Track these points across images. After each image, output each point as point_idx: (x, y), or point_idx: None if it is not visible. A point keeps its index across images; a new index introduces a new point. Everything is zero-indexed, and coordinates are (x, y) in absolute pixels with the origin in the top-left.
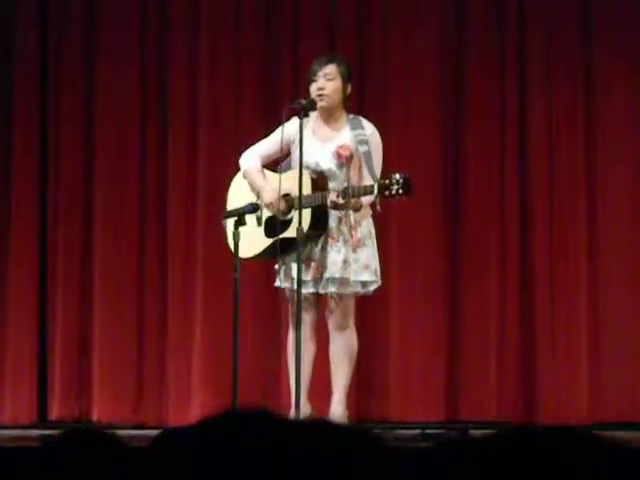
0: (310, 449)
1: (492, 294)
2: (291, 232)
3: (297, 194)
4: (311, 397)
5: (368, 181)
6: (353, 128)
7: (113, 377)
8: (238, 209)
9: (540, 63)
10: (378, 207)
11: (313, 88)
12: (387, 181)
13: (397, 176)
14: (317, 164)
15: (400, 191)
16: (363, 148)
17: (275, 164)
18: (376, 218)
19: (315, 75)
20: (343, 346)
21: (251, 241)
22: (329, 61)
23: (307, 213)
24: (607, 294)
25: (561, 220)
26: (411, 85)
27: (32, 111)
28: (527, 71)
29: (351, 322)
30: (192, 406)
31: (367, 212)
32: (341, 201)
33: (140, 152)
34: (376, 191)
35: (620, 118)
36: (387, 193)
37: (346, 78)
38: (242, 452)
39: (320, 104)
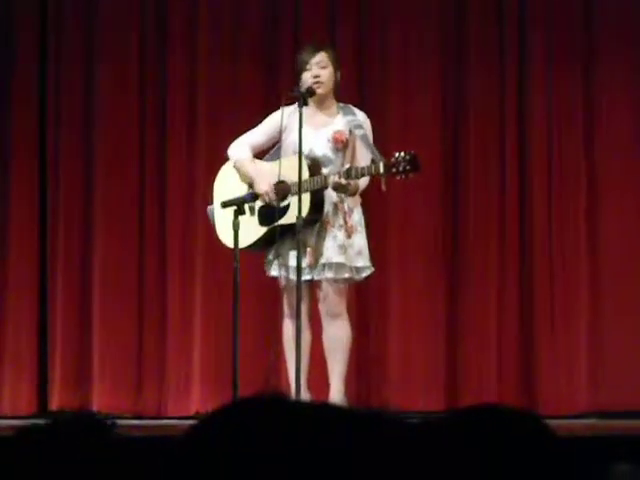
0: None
1: (492, 281)
2: (288, 218)
3: (293, 180)
4: (310, 385)
5: (364, 164)
6: (345, 114)
7: (113, 367)
8: (238, 198)
9: (539, 57)
10: (383, 186)
11: (306, 76)
12: (393, 159)
13: (402, 153)
14: (311, 150)
15: (408, 167)
16: (360, 132)
17: (262, 154)
18: (377, 201)
19: (307, 64)
20: (337, 334)
21: (244, 230)
22: (319, 49)
23: (306, 198)
24: (607, 282)
25: (561, 211)
26: (410, 79)
27: (31, 112)
28: (526, 64)
29: (344, 309)
30: (192, 396)
31: (358, 199)
32: (344, 182)
33: (139, 151)
34: (382, 170)
35: (620, 113)
36: (394, 170)
37: (336, 65)
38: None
39: (317, 91)
